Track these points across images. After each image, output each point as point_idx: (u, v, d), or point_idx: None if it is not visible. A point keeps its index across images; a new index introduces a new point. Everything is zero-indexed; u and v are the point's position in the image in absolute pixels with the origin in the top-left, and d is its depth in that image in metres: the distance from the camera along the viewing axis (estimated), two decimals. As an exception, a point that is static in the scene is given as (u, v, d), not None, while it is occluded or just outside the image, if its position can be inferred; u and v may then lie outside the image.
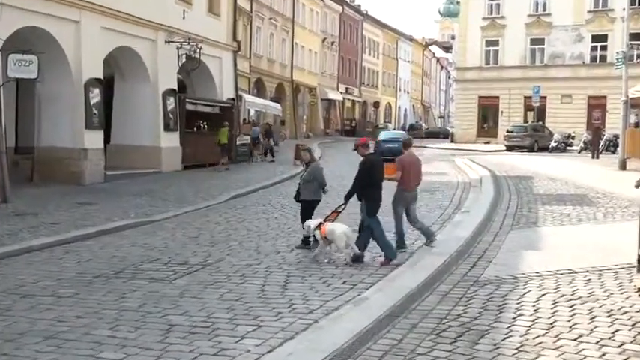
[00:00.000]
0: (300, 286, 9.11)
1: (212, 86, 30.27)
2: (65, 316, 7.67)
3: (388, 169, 11.85)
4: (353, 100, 73.94)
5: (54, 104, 20.93)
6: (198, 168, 26.80)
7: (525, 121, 49.86)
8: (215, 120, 29.11)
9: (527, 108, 50.79)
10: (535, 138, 44.50)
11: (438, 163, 32.70)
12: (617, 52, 29.73)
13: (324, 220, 10.92)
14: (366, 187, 10.62)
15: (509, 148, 43.98)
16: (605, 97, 48.78)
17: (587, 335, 6.74)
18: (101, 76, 22.13)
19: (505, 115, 52.66)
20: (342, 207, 11.11)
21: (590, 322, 7.17)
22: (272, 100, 47.46)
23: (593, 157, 35.37)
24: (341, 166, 28.59)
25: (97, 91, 21.59)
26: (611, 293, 8.36)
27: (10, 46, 18.37)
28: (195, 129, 28.04)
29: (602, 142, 38.75)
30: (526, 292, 8.41)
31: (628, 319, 7.25)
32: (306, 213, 11.81)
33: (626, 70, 27.97)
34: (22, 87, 21.84)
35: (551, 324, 7.13)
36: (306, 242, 11.63)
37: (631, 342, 6.55)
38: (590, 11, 50.65)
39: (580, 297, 8.17)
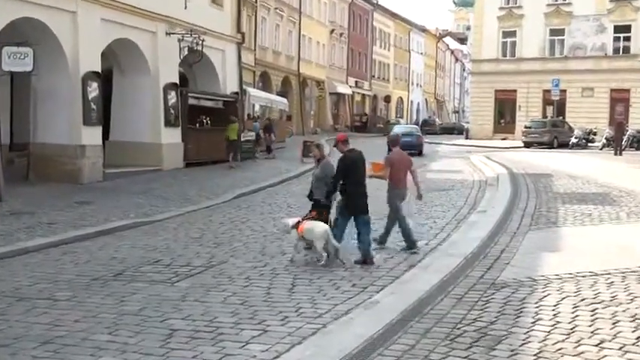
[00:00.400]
0: (307, 289, 9.11)
1: (215, 80, 30.29)
2: (62, 321, 7.70)
3: (376, 166, 11.91)
4: (363, 94, 73.94)
5: (50, 99, 20.98)
6: (201, 165, 26.84)
7: (544, 116, 49.72)
8: (218, 115, 29.13)
9: (547, 102, 50.65)
10: (554, 134, 44.38)
11: (452, 160, 32.67)
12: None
13: (303, 219, 10.97)
14: (348, 184, 10.72)
15: (528, 145, 43.89)
16: (628, 90, 48.65)
17: (610, 341, 6.72)
18: (99, 70, 22.15)
19: (523, 110, 52.56)
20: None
21: (612, 328, 7.15)
22: (278, 94, 47.51)
23: (616, 154, 35.26)
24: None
25: (95, 85, 21.63)
26: (635, 297, 8.33)
27: (4, 38, 18.43)
28: (197, 124, 28.05)
29: (625, 138, 38.65)
30: (545, 296, 8.39)
31: (653, 324, 7.23)
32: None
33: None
34: (16, 81, 21.89)
35: (571, 329, 7.11)
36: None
37: (656, 348, 6.53)
38: (612, 0, 50.46)
39: (602, 301, 8.15)
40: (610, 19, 50.59)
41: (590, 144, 44.09)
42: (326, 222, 10.96)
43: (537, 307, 7.94)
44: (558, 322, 7.35)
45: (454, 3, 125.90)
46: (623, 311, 7.72)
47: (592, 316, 7.57)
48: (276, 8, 50.49)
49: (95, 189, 19.86)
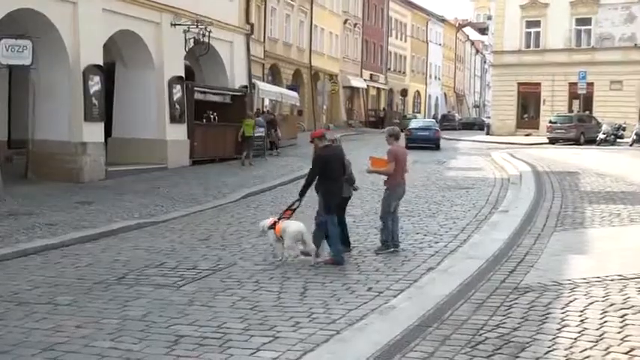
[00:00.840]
0: (320, 293, 9.12)
1: (223, 73, 30.35)
2: (63, 326, 7.74)
3: (377, 161, 11.90)
4: (378, 88, 73.87)
5: (50, 94, 21.09)
6: (208, 163, 26.90)
7: (570, 111, 49.48)
8: (226, 110, 29.19)
9: (573, 96, 50.38)
10: (581, 129, 44.16)
11: (472, 157, 32.61)
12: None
13: (279, 219, 11.16)
14: (323, 180, 10.94)
15: (553, 141, 43.69)
16: (659, 82, 48.29)
17: (641, 349, 6.69)
18: (101, 63, 22.25)
19: (548, 104, 52.30)
20: (297, 204, 11.37)
21: (643, 334, 7.11)
22: (288, 88, 47.50)
23: (646, 150, 35.03)
24: (365, 162, 28.49)
25: (96, 79, 21.72)
26: (668, 302, 8.29)
27: (2, 30, 18.52)
28: (204, 120, 28.12)
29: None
30: (572, 301, 8.36)
31: (686, 331, 7.19)
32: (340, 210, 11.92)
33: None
34: (14, 75, 22.05)
35: (599, 336, 7.07)
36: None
37: (690, 356, 6.49)
38: (643, -13, 50.18)
39: (632, 306, 8.10)
40: (640, 7, 50.29)
41: (619, 140, 43.82)
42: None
43: (563, 312, 7.91)
44: (585, 328, 7.32)
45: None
46: (655, 317, 7.68)
47: (621, 322, 7.53)
48: (286, -3, 50.54)
49: (97, 188, 19.94)
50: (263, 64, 45.00)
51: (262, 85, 38.17)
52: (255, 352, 6.82)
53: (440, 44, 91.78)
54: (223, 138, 28.73)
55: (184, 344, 7.09)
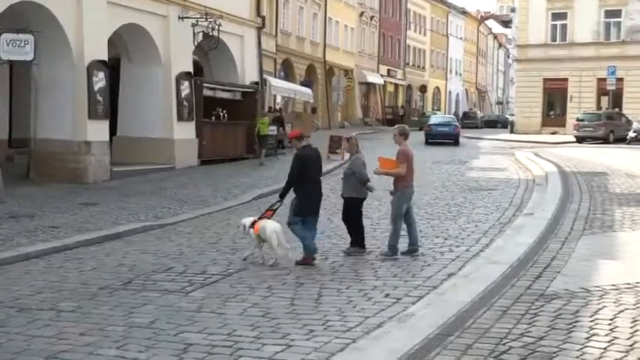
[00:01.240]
0: (335, 299, 9.12)
1: (233, 69, 30.40)
2: (66, 334, 7.77)
3: (386, 162, 11.89)
4: (396, 84, 73.81)
5: (52, 90, 21.18)
6: (218, 163, 26.95)
7: (599, 108, 49.26)
8: (236, 108, 29.23)
9: (601, 92, 50.17)
10: (610, 127, 43.93)
11: (495, 156, 32.51)
12: None
13: (259, 218, 11.53)
14: (300, 181, 11.29)
15: (580, 140, 43.51)
16: (694, 78, 47.99)
17: (674, 359, 6.65)
18: (106, 58, 22.33)
19: (575, 101, 52.09)
20: (278, 204, 11.73)
21: (677, 344, 7.07)
22: (302, 84, 47.54)
23: (679, 150, 34.81)
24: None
25: (101, 75, 21.80)
26: (703, 310, 8.24)
27: (3, 24, 18.63)
28: (213, 118, 28.18)
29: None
30: (601, 309, 8.32)
31: None
32: (348, 213, 12.08)
33: None
34: (16, 71, 22.16)
35: (630, 346, 7.04)
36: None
37: None
38: (676, -23, 49.92)
39: (665, 314, 8.07)
40: (673, -2, 50.01)
41: (650, 138, 43.59)
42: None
43: (592, 320, 7.88)
44: (615, 337, 7.29)
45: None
46: (689, 326, 7.64)
47: (654, 331, 7.50)
48: (299, -11, 50.59)
49: (101, 189, 20.02)
50: (275, 59, 45.07)
51: (274, 81, 38.20)
52: (267, 362, 6.83)
53: (461, 38, 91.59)
54: (233, 137, 28.79)
55: (193, 353, 7.10)
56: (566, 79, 52.72)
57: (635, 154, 33.09)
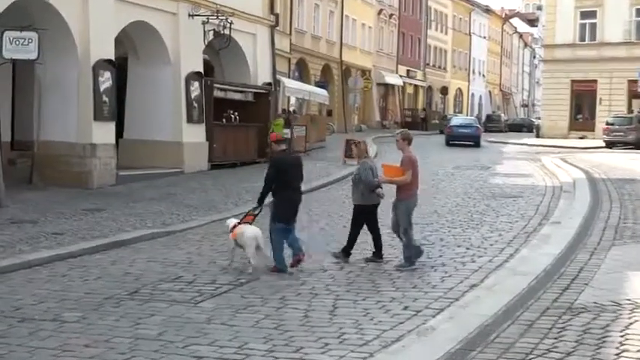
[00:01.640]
0: (351, 311, 9.12)
1: (245, 69, 30.45)
2: (70, 345, 7.81)
3: (389, 169, 11.88)
4: (415, 86, 73.77)
5: (57, 91, 21.27)
6: (229, 167, 26.99)
7: (630, 111, 49.06)
8: (249, 109, 29.28)
9: (632, 94, 49.97)
10: (642, 132, 43.78)
11: (520, 162, 32.43)
12: None
13: (238, 223, 11.78)
14: (278, 188, 11.58)
15: (610, 144, 43.35)
16: None
17: None
18: (113, 58, 22.41)
19: (604, 104, 51.89)
20: (258, 210, 11.94)
21: None
22: (317, 85, 47.59)
23: None
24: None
25: (107, 75, 21.89)
26: None
27: (5, 21, 18.72)
28: (224, 120, 28.24)
29: None
30: (632, 323, 8.28)
31: None
32: (357, 221, 12.19)
33: None
34: (19, 70, 22.24)
35: (663, 363, 7.01)
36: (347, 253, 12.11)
37: None
38: None
39: (700, 329, 8.03)
40: None
41: (684, 144, 43.36)
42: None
43: (622, 336, 7.84)
44: (648, 354, 7.26)
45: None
46: None
47: (688, 347, 7.46)
48: (315, -15, 50.66)
49: (107, 194, 20.09)
50: (289, 59, 45.12)
51: (288, 82, 38.24)
52: (280, 376, 6.85)
53: (484, 37, 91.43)
54: (245, 140, 28.82)
55: (202, 366, 7.13)
56: (595, 81, 52.51)
57: (668, 160, 32.92)
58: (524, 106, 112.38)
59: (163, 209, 17.80)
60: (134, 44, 25.39)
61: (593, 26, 53.14)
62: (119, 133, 23.98)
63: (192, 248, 13.45)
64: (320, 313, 9.06)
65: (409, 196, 11.77)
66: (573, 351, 7.36)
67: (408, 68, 69.97)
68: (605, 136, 44.51)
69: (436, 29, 77.78)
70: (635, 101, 49.91)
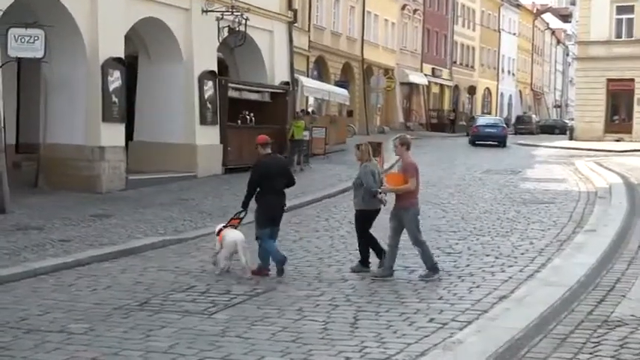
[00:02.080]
0: (373, 324, 9.12)
1: (261, 67, 30.51)
2: (78, 358, 7.85)
3: (393, 177, 11.89)
4: (441, 85, 73.63)
5: (64, 91, 21.38)
6: (244, 171, 26.96)
7: (670, 112, 48.84)
8: (265, 110, 29.31)
9: (673, 94, 49.72)
10: (683, 134, 43.58)
11: (553, 166, 32.33)
12: None
13: (224, 226, 12.35)
14: (261, 193, 12.03)
15: (648, 147, 43.16)
16: None
17: None
18: (122, 56, 22.50)
19: (643, 104, 51.69)
20: (243, 214, 12.45)
21: None
22: (337, 84, 47.56)
23: None
24: (426, 172, 28.38)
25: (117, 74, 21.97)
26: None
27: (10, 18, 18.82)
28: (239, 122, 28.30)
29: None
30: (672, 337, 8.25)
31: None
32: (359, 226, 12.40)
33: None
34: (24, 69, 22.37)
35: None
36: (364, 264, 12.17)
37: None
38: None
39: None
40: None
41: None
42: None
43: (662, 351, 7.81)
44: (689, 370, 7.21)
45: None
46: None
47: None
48: (335, -20, 50.70)
49: (116, 199, 20.17)
50: (307, 57, 45.16)
51: (306, 81, 38.25)
52: (298, 392, 6.85)
53: (514, 34, 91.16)
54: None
55: (216, 381, 7.14)
56: (632, 80, 52.23)
57: None
58: (557, 106, 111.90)
59: (175, 215, 17.85)
60: (145, 42, 25.48)
61: (630, 22, 52.89)
62: (129, 135, 24.08)
63: (205, 256, 13.44)
64: (340, 325, 9.05)
65: (413, 204, 11.78)
66: (609, 367, 7.33)
67: (434, 67, 69.85)
68: (643, 139, 44.34)
69: (463, 25, 77.62)
70: (675, 102, 49.66)
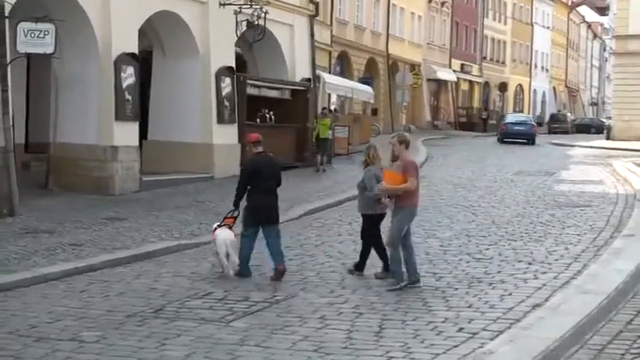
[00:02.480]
0: (399, 333, 9.12)
1: (281, 63, 30.53)
2: (90, 368, 7.89)
3: (391, 176, 11.82)
4: (470, 82, 73.46)
5: (75, 88, 21.47)
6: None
7: None
8: (285, 108, 29.33)
9: None
10: None
11: (589, 167, 32.16)
12: None
13: (218, 226, 12.66)
14: (252, 191, 12.39)
15: (691, 148, 42.87)
16: None
17: None
18: (136, 51, 22.58)
19: (684, 102, 51.36)
20: (237, 213, 12.78)
21: None
22: (361, 81, 47.57)
23: None
24: (454, 173, 28.40)
25: (130, 70, 22.05)
26: None
27: (20, 12, 18.92)
28: (258, 120, 28.32)
29: None
30: None
31: None
32: (364, 231, 12.55)
33: None
34: (34, 65, 22.50)
35: None
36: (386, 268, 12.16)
37: None
38: None
39: None
40: None
41: None
42: None
43: None
44: None
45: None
46: None
47: None
48: (358, -29, 50.68)
49: (129, 201, 20.24)
50: (330, 52, 45.16)
51: (328, 78, 38.27)
52: (320, 404, 6.86)
53: (548, 27, 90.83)
54: (282, 142, 28.79)
55: (235, 392, 7.16)
56: (673, 76, 51.98)
57: None
58: (593, 104, 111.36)
59: (191, 218, 17.90)
60: (159, 37, 25.56)
61: (672, 15, 52.58)
62: (143, 135, 24.14)
63: (222, 262, 13.49)
64: (364, 334, 9.05)
65: (411, 205, 11.71)
66: (649, 379, 7.30)
67: (463, 62, 69.70)
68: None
69: (494, 19, 77.42)
70: None
